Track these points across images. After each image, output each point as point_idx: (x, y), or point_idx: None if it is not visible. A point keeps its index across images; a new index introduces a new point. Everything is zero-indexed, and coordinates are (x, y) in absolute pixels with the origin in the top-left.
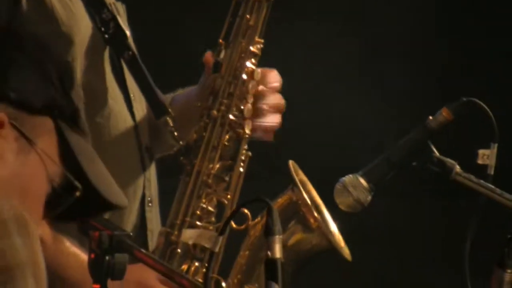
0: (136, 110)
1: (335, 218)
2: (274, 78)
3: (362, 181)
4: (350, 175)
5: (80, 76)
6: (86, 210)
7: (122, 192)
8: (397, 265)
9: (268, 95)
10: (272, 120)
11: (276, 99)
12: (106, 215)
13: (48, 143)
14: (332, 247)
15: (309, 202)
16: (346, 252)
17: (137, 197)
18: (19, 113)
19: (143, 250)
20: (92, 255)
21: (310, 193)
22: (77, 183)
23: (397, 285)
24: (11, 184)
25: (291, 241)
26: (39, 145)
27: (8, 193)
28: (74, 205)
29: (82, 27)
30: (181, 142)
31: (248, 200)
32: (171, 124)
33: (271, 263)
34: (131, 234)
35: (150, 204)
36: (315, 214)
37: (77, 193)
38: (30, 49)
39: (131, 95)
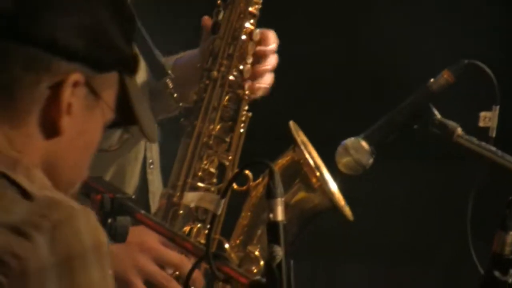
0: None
1: (335, 179)
2: (272, 39)
3: (364, 144)
4: (352, 138)
5: None
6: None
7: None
8: (398, 228)
9: (268, 55)
10: (269, 80)
11: (275, 59)
12: (107, 177)
13: (110, 95)
14: (333, 206)
15: (311, 162)
16: (347, 211)
17: (139, 159)
18: (92, 70)
19: (145, 213)
20: None
21: (311, 154)
22: (127, 128)
23: (398, 248)
24: (77, 141)
25: (294, 200)
26: (104, 99)
27: (74, 150)
28: None
29: None
30: (180, 104)
31: (249, 162)
32: (170, 85)
33: (273, 225)
34: (133, 196)
35: (151, 166)
36: (317, 173)
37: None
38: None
39: None
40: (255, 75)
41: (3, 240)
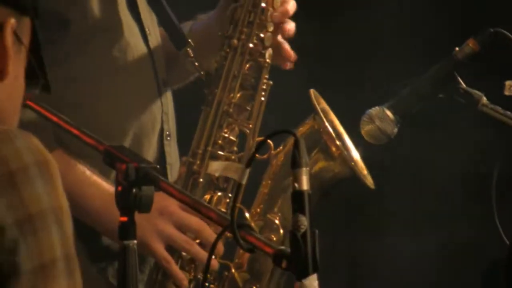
0: (151, 43)
1: (357, 147)
2: (292, 6)
3: (389, 113)
4: (377, 107)
5: (95, 11)
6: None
7: (140, 123)
8: (422, 196)
9: (288, 23)
10: (292, 27)
11: (293, 27)
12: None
13: (27, 39)
14: (354, 175)
15: (330, 130)
16: (369, 179)
17: (156, 131)
18: (18, 15)
19: (169, 182)
20: (119, 188)
21: (332, 122)
22: (40, 75)
23: (422, 216)
24: (15, 84)
25: (314, 169)
26: (24, 44)
27: (13, 94)
28: None
29: None
30: (202, 72)
31: (274, 131)
32: (191, 54)
33: (298, 195)
34: (157, 166)
35: (168, 138)
36: (337, 142)
37: (41, 83)
38: None
39: (146, 30)
40: (275, 42)
41: None
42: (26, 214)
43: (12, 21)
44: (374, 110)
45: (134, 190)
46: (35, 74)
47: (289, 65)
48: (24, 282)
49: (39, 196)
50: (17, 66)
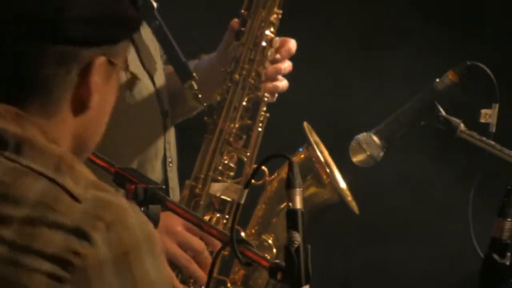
0: (156, 78)
1: (346, 175)
2: (293, 46)
3: (375, 138)
4: (364, 133)
5: None
6: None
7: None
8: (404, 215)
9: (285, 61)
10: (284, 84)
11: (290, 66)
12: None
13: (123, 57)
14: (341, 201)
15: (322, 159)
16: (353, 205)
17: (159, 157)
18: (107, 48)
19: (175, 202)
20: None
21: (323, 152)
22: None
23: (401, 232)
24: (101, 111)
25: (306, 194)
26: (119, 65)
27: (99, 120)
28: None
29: None
30: (204, 104)
31: (270, 155)
32: (195, 87)
33: (292, 213)
34: (163, 187)
35: (170, 165)
36: (327, 170)
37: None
38: None
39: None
40: (271, 79)
41: (65, 240)
42: None
43: (100, 60)
44: (362, 136)
45: (142, 208)
46: None
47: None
48: None
49: (147, 274)
50: (106, 91)
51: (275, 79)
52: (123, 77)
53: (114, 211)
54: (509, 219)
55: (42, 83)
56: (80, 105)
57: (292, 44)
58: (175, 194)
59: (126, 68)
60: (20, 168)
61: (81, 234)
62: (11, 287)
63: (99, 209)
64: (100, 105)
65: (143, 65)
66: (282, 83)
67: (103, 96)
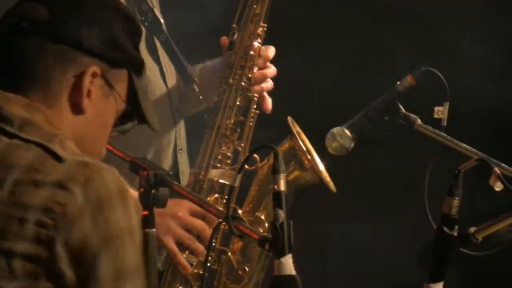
0: (168, 80)
1: (322, 160)
2: (272, 52)
3: (347, 131)
4: (338, 127)
5: None
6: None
7: (159, 141)
8: (372, 195)
9: (269, 66)
10: (270, 85)
11: (275, 71)
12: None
13: (122, 88)
14: (321, 182)
15: (303, 147)
16: (332, 185)
17: (171, 146)
18: (107, 66)
19: (180, 185)
20: (142, 189)
21: (304, 141)
22: (134, 117)
23: (377, 209)
24: (96, 120)
25: (291, 177)
26: (116, 90)
27: (94, 128)
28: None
29: None
30: (205, 104)
31: (259, 146)
32: (196, 90)
33: (277, 194)
34: (171, 173)
35: (180, 152)
36: (308, 157)
37: (136, 122)
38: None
39: (164, 68)
40: (257, 80)
41: (49, 193)
42: (108, 233)
43: (94, 69)
44: (336, 129)
45: (153, 191)
46: (131, 116)
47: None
48: (103, 284)
49: (118, 220)
50: (103, 107)
51: (262, 82)
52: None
53: (92, 169)
54: (456, 198)
55: (42, 74)
56: (75, 106)
57: (270, 52)
58: (184, 177)
59: (124, 100)
60: (18, 142)
61: (63, 187)
62: (6, 236)
63: (79, 167)
64: (96, 116)
65: None
66: (268, 85)
67: (98, 109)
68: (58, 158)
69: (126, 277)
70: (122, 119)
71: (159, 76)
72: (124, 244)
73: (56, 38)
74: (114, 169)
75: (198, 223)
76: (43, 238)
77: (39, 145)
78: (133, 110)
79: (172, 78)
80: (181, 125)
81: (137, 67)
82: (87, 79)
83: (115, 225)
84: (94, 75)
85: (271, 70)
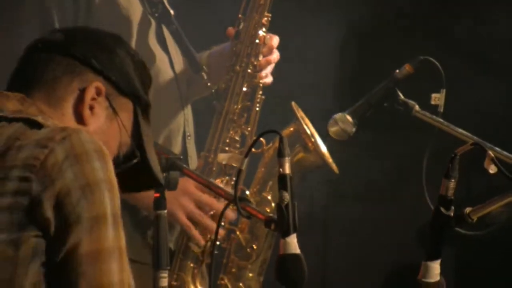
0: (176, 68)
1: (324, 143)
2: (276, 41)
3: (349, 117)
4: (340, 113)
5: (134, 46)
6: (137, 185)
7: (169, 128)
8: (374, 177)
9: (273, 53)
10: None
11: (278, 56)
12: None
13: (126, 118)
14: (324, 163)
15: (307, 131)
16: (334, 166)
17: (180, 132)
18: (112, 90)
19: (190, 169)
20: None
21: (307, 125)
22: (137, 153)
23: (374, 191)
24: (97, 134)
25: (295, 159)
26: (121, 118)
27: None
28: (128, 178)
29: (136, 9)
30: (213, 90)
31: (265, 131)
32: (205, 77)
33: (283, 177)
34: (181, 157)
35: (189, 137)
36: (312, 139)
37: (135, 160)
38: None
39: (172, 58)
40: (263, 66)
41: (30, 151)
42: (87, 182)
43: (95, 84)
44: (338, 115)
45: (164, 174)
46: (135, 155)
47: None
48: (84, 225)
49: (96, 171)
50: (105, 127)
51: (267, 68)
52: None
53: (69, 130)
54: (452, 180)
55: (50, 81)
56: (78, 115)
57: (274, 40)
58: (192, 161)
59: (128, 132)
60: (3, 123)
61: (41, 145)
62: None
63: (58, 130)
64: (98, 133)
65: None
66: (275, 55)
67: (100, 125)
68: (38, 126)
69: (105, 221)
70: (126, 158)
71: (168, 65)
72: (102, 192)
73: (66, 53)
74: (92, 134)
75: (208, 198)
76: (26, 189)
77: (21, 119)
78: (136, 146)
79: (179, 67)
80: (189, 113)
81: (142, 105)
82: (89, 93)
83: (93, 175)
84: (98, 92)
85: (275, 55)
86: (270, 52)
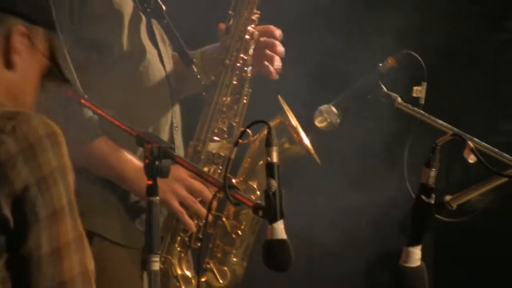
0: (165, 63)
1: (308, 135)
2: (275, 30)
3: (334, 109)
4: (325, 105)
5: (126, 40)
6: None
7: (158, 119)
8: (356, 166)
9: (276, 44)
10: (279, 63)
11: (282, 48)
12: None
13: (43, 46)
14: (308, 154)
15: (293, 123)
16: (316, 157)
17: (168, 123)
18: (27, 23)
19: (181, 157)
20: (147, 161)
21: (293, 118)
22: (56, 71)
23: (352, 179)
24: (27, 75)
25: (281, 150)
26: (39, 48)
27: (25, 81)
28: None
29: (128, 4)
30: (203, 82)
31: (253, 121)
32: (195, 70)
33: (270, 165)
34: (173, 146)
35: (176, 129)
36: (297, 131)
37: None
38: None
39: (162, 52)
40: (261, 59)
41: None
42: (42, 176)
43: (17, 28)
44: (324, 107)
45: (157, 162)
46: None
47: (274, 76)
48: (42, 225)
49: (50, 160)
50: (30, 62)
51: (270, 61)
52: None
53: (19, 117)
54: (433, 169)
55: None
56: (7, 62)
57: (273, 28)
58: (180, 151)
59: (47, 57)
60: None
61: None
62: None
63: (6, 118)
64: (24, 71)
65: None
66: (279, 63)
67: (26, 65)
68: None
69: (62, 214)
70: (47, 78)
71: (158, 59)
72: (57, 184)
73: None
74: (41, 115)
75: (199, 185)
76: None
77: None
78: (54, 67)
79: (168, 61)
80: (177, 106)
81: (54, 28)
82: (14, 38)
83: (47, 166)
84: (22, 34)
85: (279, 48)
86: (272, 43)
